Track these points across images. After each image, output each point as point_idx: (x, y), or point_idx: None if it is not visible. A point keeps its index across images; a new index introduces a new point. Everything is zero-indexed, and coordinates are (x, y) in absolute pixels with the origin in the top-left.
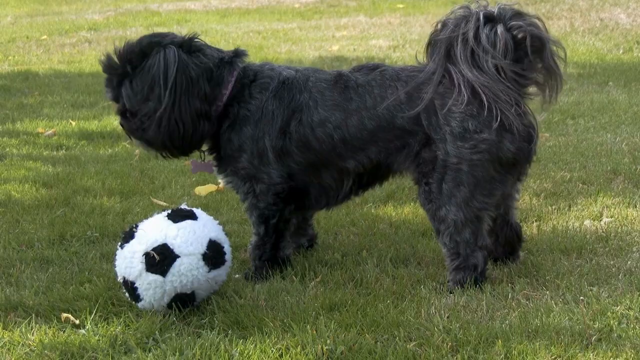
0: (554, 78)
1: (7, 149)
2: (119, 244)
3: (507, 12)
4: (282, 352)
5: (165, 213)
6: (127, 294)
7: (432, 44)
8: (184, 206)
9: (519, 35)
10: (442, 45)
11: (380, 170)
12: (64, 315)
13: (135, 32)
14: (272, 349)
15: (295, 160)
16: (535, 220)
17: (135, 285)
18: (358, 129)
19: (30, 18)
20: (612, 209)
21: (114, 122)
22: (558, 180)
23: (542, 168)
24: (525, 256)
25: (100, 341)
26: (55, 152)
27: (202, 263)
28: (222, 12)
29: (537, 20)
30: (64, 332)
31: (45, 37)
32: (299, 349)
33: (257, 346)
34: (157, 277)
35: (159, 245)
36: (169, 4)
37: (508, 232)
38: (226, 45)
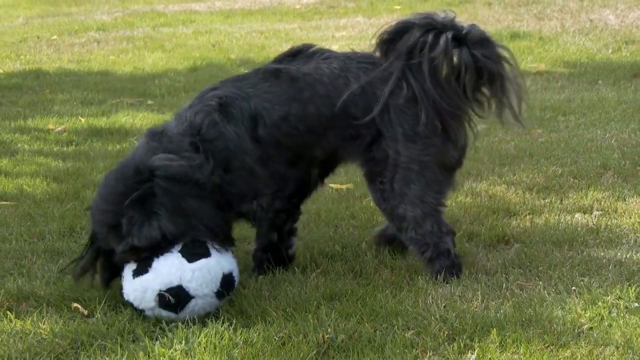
0: (504, 105)
1: (19, 145)
2: (132, 271)
3: (475, 37)
4: (284, 341)
5: (179, 249)
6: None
7: (387, 42)
8: None
9: (478, 64)
10: (404, 51)
11: (335, 156)
12: (74, 305)
13: (142, 32)
14: (275, 337)
15: (277, 160)
16: (528, 214)
17: (146, 313)
18: (317, 116)
19: (41, 19)
20: (602, 203)
21: (122, 119)
22: (550, 175)
23: (535, 163)
24: (519, 248)
25: (109, 330)
26: (65, 148)
27: (215, 299)
28: (226, 12)
29: (501, 51)
30: (74, 321)
31: (55, 37)
32: (300, 337)
33: (261, 334)
34: (170, 314)
35: (174, 288)
36: (175, 5)
37: None
38: (230, 45)
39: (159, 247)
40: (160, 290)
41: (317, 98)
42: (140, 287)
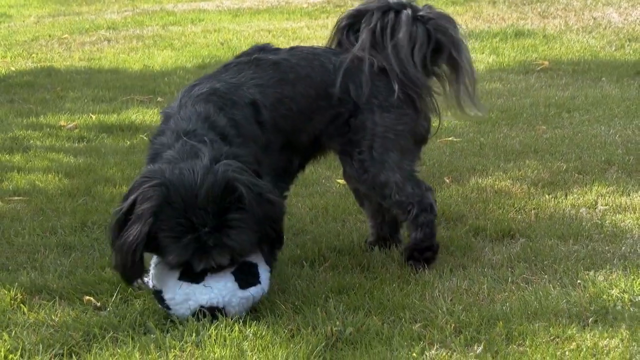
0: (457, 73)
1: (32, 141)
2: (179, 272)
3: (431, 14)
4: (293, 333)
5: (233, 270)
6: (155, 297)
7: (346, 27)
8: None
9: (434, 39)
10: (368, 33)
11: (318, 143)
12: (86, 297)
13: (152, 30)
14: (284, 329)
15: (274, 147)
16: (534, 209)
17: (169, 310)
18: (303, 96)
19: (52, 18)
20: (606, 197)
21: (132, 115)
22: (555, 171)
23: (540, 159)
24: (524, 242)
25: (121, 322)
26: (76, 144)
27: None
28: (234, 11)
29: (455, 31)
30: (86, 313)
31: (66, 35)
32: (309, 330)
33: (270, 327)
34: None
35: (217, 308)
36: (184, 4)
37: (391, 214)
38: (238, 43)
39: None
40: (202, 307)
41: (301, 79)
42: (184, 293)
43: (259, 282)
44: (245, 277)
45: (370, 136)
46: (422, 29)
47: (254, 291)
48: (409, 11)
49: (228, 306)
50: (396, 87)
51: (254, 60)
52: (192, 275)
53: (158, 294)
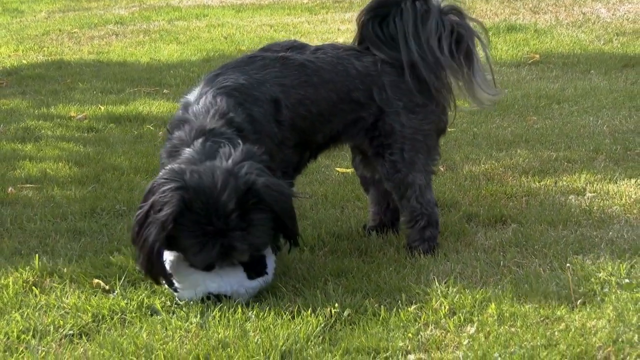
0: (468, 66)
1: (43, 131)
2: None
3: (447, 6)
4: (294, 314)
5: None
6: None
7: (367, 23)
8: None
9: (452, 30)
10: (401, 32)
11: (333, 141)
12: (95, 281)
13: (158, 25)
14: (285, 311)
15: (288, 144)
16: (525, 196)
17: (176, 292)
18: (324, 100)
19: (63, 13)
20: (594, 185)
21: (139, 107)
22: (545, 159)
23: (530, 148)
24: (516, 228)
25: (129, 304)
26: (86, 134)
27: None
28: (237, 7)
29: (471, 23)
30: (95, 296)
31: (76, 30)
32: (309, 311)
33: (272, 309)
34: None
35: (224, 295)
36: (189, 0)
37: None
38: (241, 37)
39: None
40: (210, 294)
41: (324, 83)
42: (194, 279)
43: (267, 273)
44: (255, 268)
45: (400, 139)
46: (446, 20)
47: (261, 281)
48: (437, 1)
49: (235, 295)
50: (417, 85)
51: (280, 59)
52: None
53: (168, 277)
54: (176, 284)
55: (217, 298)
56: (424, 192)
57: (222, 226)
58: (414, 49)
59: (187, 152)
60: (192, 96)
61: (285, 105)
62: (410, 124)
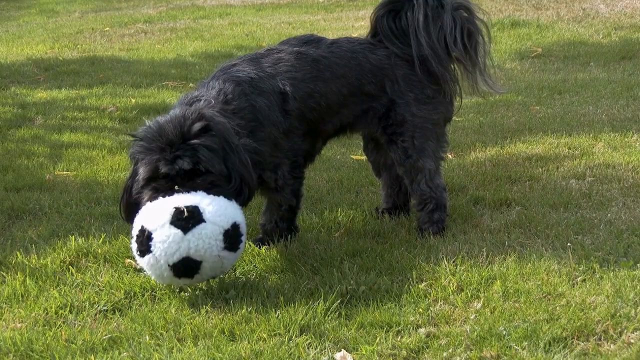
0: (476, 61)
1: (78, 122)
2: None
3: (457, 3)
4: (312, 291)
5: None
6: (135, 246)
7: (382, 17)
8: None
9: (460, 26)
10: (412, 26)
11: (344, 130)
12: (127, 260)
13: (184, 24)
14: (304, 288)
15: (297, 133)
16: (528, 180)
17: (152, 235)
18: (335, 94)
19: (95, 13)
20: (594, 170)
21: (166, 99)
22: (547, 146)
23: (534, 136)
24: (519, 210)
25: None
26: (117, 125)
27: (221, 237)
28: (258, 6)
29: (478, 17)
30: (127, 274)
31: (107, 28)
32: (326, 288)
33: (291, 286)
34: (177, 232)
35: (190, 206)
36: (212, 0)
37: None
38: (261, 34)
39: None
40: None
41: (336, 78)
42: (157, 206)
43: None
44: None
45: (411, 127)
46: (457, 15)
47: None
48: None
49: (202, 205)
50: (438, 70)
51: (296, 53)
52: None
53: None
54: (153, 236)
55: (191, 217)
56: (434, 176)
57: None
58: (425, 43)
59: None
60: (207, 79)
61: (293, 97)
62: (420, 114)
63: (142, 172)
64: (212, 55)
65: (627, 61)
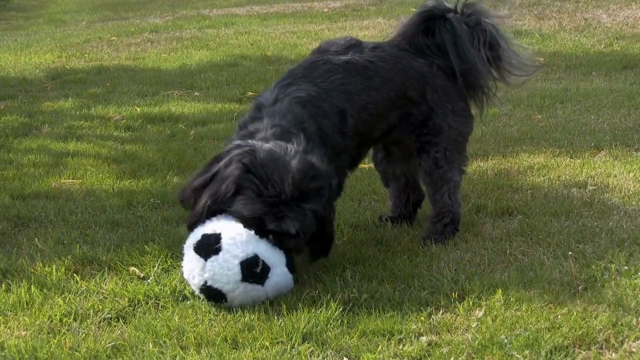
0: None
1: (84, 131)
2: (201, 255)
3: (481, 11)
4: (315, 299)
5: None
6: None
7: (415, 34)
8: None
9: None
10: (448, 38)
11: (386, 135)
12: (132, 268)
13: (190, 33)
14: (307, 296)
15: (347, 151)
16: (530, 189)
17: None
18: (385, 100)
19: (102, 23)
20: (595, 179)
21: (172, 108)
22: (549, 155)
23: (535, 145)
24: (521, 219)
25: (162, 290)
26: (123, 133)
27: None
28: (263, 15)
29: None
30: (131, 282)
31: (114, 38)
32: (329, 296)
33: (294, 294)
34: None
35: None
36: (218, 9)
37: (416, 196)
38: (266, 43)
39: None
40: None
41: (385, 83)
42: (223, 261)
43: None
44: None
45: (446, 138)
46: (487, 25)
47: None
48: (487, 9)
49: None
50: (464, 90)
51: (343, 63)
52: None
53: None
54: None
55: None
56: (456, 190)
57: (278, 191)
58: (470, 57)
59: (261, 134)
60: (265, 99)
61: (350, 114)
62: (455, 126)
63: (243, 210)
64: (217, 64)
65: (629, 71)
